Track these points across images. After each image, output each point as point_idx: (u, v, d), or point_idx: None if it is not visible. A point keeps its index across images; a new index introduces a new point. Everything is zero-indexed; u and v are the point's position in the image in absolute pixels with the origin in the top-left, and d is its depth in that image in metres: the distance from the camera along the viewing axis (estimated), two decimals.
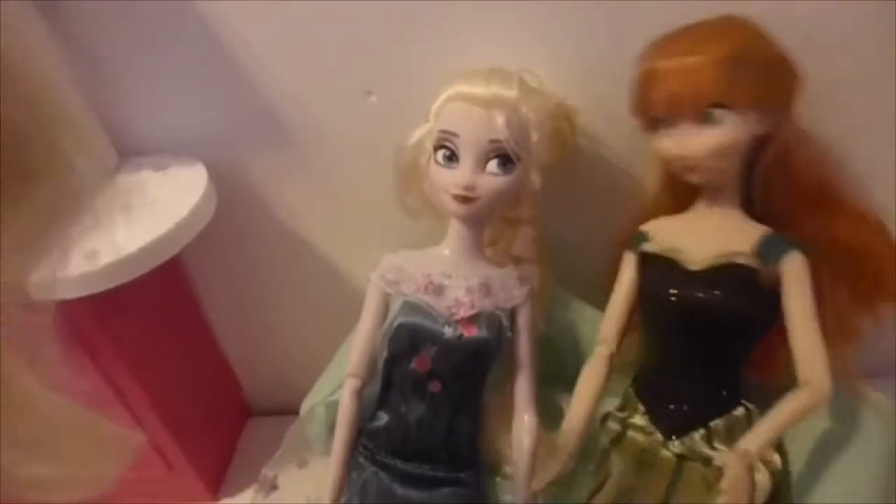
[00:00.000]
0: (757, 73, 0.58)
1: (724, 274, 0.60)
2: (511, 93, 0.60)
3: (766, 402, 0.62)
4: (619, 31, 0.67)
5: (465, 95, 0.60)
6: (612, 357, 0.66)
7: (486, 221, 0.67)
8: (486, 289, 0.64)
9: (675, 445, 0.62)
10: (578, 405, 0.64)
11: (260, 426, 1.03)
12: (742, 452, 0.55)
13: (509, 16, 0.67)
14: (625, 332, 0.67)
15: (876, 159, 0.70)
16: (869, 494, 0.62)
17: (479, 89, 0.60)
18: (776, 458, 0.58)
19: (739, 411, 0.62)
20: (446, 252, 0.66)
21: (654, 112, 0.60)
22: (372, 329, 0.67)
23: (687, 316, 0.61)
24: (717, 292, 0.60)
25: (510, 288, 0.64)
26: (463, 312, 0.63)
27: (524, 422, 0.65)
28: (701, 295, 0.60)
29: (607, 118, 0.71)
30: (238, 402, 1.05)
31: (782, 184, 0.64)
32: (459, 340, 0.62)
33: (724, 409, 0.62)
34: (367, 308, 0.67)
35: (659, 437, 0.62)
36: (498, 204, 0.63)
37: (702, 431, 0.61)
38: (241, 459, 0.98)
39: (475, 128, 0.59)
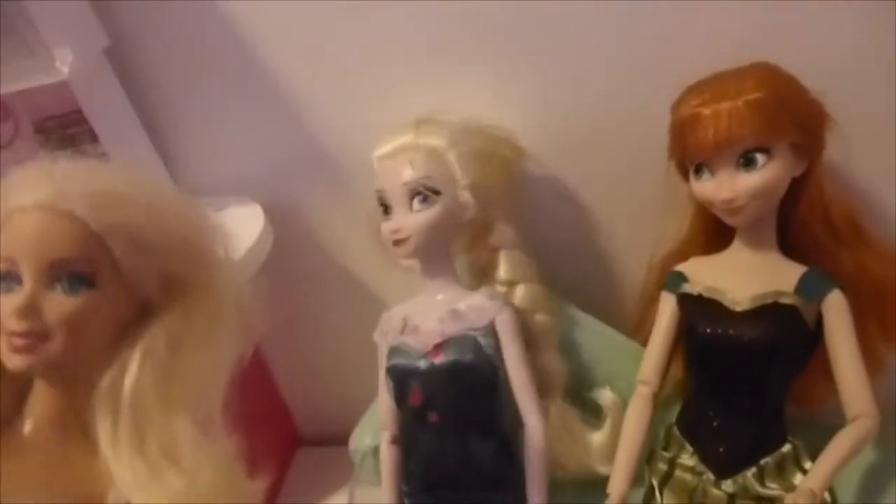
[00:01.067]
0: (795, 117, 0.59)
1: (770, 313, 0.62)
2: (407, 137, 0.66)
3: (802, 435, 0.64)
4: (612, 75, 0.73)
5: (379, 157, 0.68)
6: (654, 396, 0.68)
7: (443, 256, 0.69)
8: (456, 315, 0.66)
9: (728, 485, 0.63)
10: (627, 447, 0.66)
11: (310, 455, 1.06)
12: (808, 492, 0.56)
13: (522, 70, 0.76)
14: (666, 370, 0.68)
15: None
16: None
17: (386, 147, 0.67)
18: (826, 494, 0.60)
19: (787, 448, 0.63)
20: (421, 294, 0.70)
21: (698, 157, 0.61)
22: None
23: (736, 356, 0.62)
24: (765, 332, 0.61)
25: (480, 307, 0.66)
26: (432, 342, 0.66)
27: (529, 425, 0.65)
28: (750, 335, 0.61)
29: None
30: (289, 432, 1.08)
31: (818, 220, 0.65)
32: (433, 368, 0.65)
33: (773, 446, 0.63)
34: (380, 366, 0.71)
35: (710, 476, 0.64)
36: (432, 236, 0.66)
37: (753, 470, 0.62)
38: (290, 488, 1.01)
39: (390, 178, 0.66)
